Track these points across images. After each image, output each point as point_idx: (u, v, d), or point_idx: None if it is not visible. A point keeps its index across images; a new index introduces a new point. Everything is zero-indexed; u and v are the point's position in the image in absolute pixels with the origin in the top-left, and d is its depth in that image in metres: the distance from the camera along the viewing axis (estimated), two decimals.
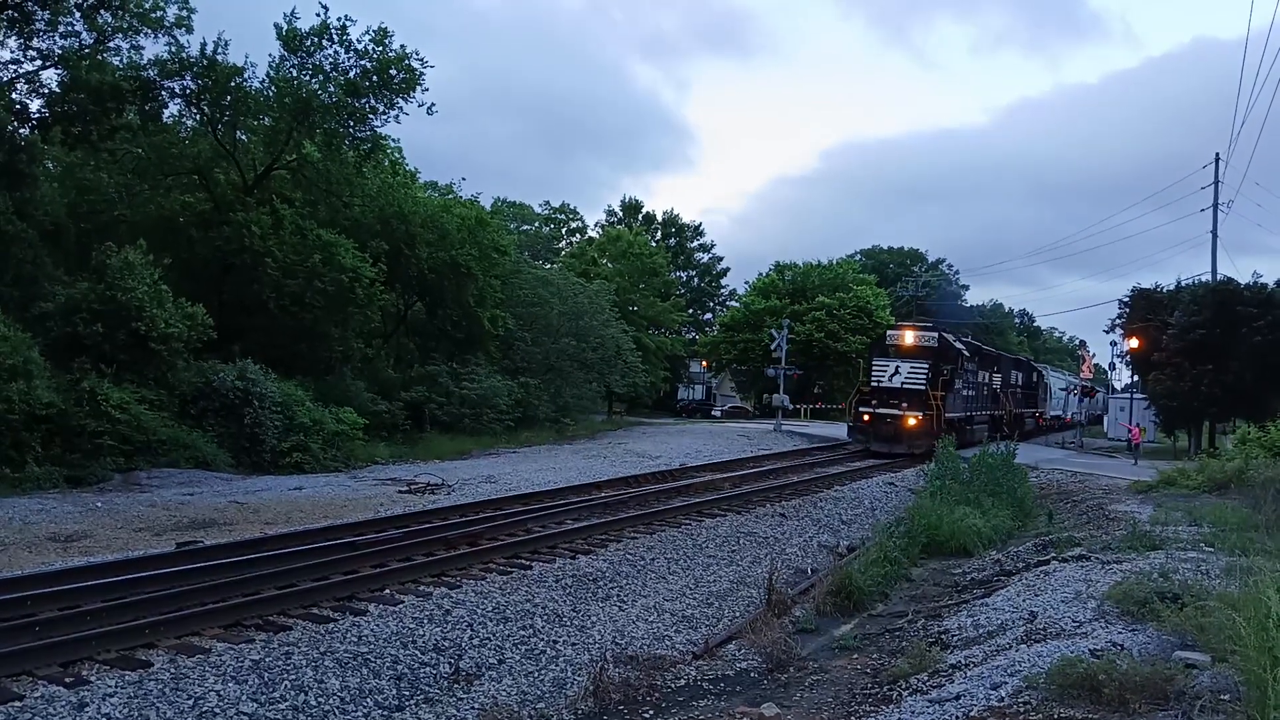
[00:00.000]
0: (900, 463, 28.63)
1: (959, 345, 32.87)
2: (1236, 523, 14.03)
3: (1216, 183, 43.29)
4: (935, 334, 31.43)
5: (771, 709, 8.36)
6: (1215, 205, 43.32)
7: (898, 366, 30.15)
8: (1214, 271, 42.74)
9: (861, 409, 30.31)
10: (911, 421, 28.91)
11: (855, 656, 10.28)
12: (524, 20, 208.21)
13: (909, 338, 31.07)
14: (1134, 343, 43.61)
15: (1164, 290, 45.61)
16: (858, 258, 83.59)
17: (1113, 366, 57.21)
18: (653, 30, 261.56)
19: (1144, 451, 43.30)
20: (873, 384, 30.50)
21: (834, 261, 71.11)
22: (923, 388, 29.37)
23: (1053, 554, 13.68)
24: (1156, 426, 47.21)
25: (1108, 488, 23.98)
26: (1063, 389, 65.44)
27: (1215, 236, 43.42)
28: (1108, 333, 50.38)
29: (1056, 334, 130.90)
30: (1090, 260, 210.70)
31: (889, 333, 32.98)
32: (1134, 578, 10.01)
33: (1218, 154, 43.60)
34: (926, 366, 29.84)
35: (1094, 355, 66.32)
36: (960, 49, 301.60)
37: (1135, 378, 51.42)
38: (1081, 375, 60.88)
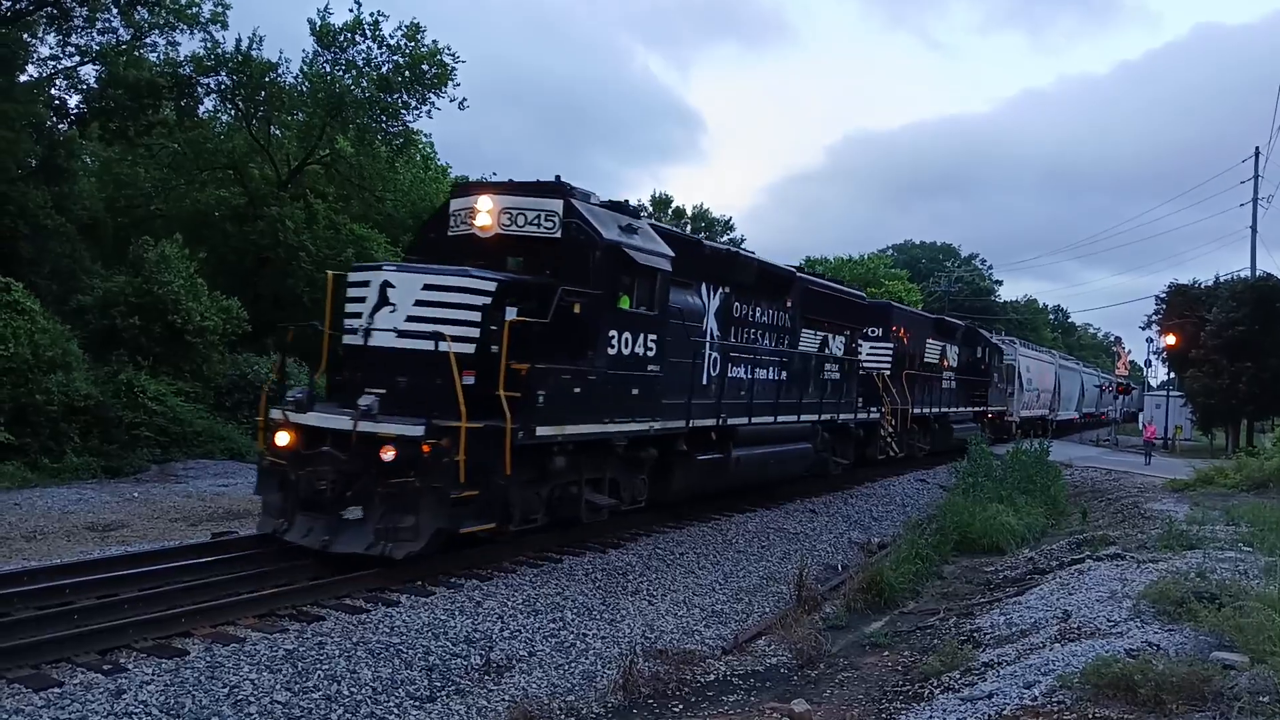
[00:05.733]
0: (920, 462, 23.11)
1: (623, 235, 12.32)
2: (1275, 522, 13.82)
3: (1256, 177, 42.68)
4: (558, 203, 11.97)
5: (801, 705, 8.33)
6: (1255, 200, 42.73)
7: (385, 285, 10.75)
8: (1253, 267, 42.19)
9: (274, 414, 10.99)
10: (390, 453, 9.75)
11: (886, 653, 10.23)
12: (519, 9, 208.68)
13: (483, 211, 12.08)
14: (1171, 339, 43.11)
15: (1201, 286, 45.08)
16: (889, 253, 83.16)
17: (1149, 363, 56.42)
18: (649, 11, 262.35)
19: (1180, 450, 42.83)
20: (345, 342, 11.28)
21: (865, 256, 70.81)
22: (465, 347, 10.50)
23: (1087, 552, 13.54)
24: (1193, 424, 46.62)
25: (1143, 486, 23.72)
26: (1055, 377, 49.86)
27: (1255, 232, 42.83)
28: (1144, 329, 49.85)
29: (1091, 330, 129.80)
30: (1120, 256, 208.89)
31: (452, 202, 12.98)
32: (1170, 577, 9.87)
33: (1257, 148, 42.98)
34: (493, 287, 10.90)
35: (1130, 352, 65.42)
36: (962, 31, 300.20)
37: (1172, 375, 50.79)
38: (1117, 372, 60.10)
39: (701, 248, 15.36)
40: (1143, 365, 68.15)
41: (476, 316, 10.76)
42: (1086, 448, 41.87)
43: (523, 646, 9.13)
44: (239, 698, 7.05)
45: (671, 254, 13.24)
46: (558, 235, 11.98)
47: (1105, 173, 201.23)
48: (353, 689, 7.59)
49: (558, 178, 12.51)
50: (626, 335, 12.35)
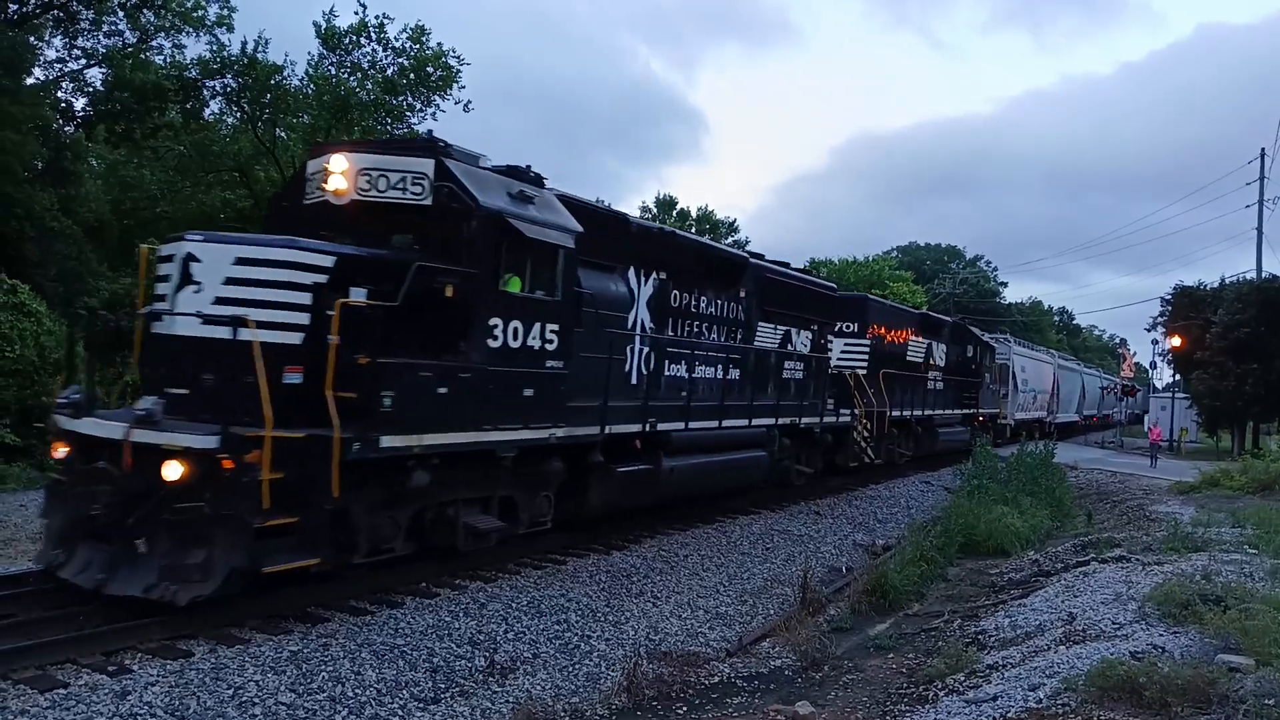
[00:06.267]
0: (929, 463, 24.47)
1: (511, 204, 10.23)
2: None
3: (1262, 178, 42.55)
4: (428, 163, 9.83)
5: (806, 707, 8.32)
6: (1260, 201, 42.59)
7: (189, 259, 8.59)
8: (1259, 268, 42.10)
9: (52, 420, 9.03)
10: (175, 470, 7.69)
11: (891, 656, 10.22)
12: (521, 9, 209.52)
13: (336, 173, 9.87)
14: (1176, 341, 43.08)
15: (1207, 287, 45.06)
16: (894, 254, 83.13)
17: (1154, 365, 56.22)
18: (651, 11, 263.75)
19: (1185, 452, 42.75)
20: (153, 329, 8.89)
21: (870, 258, 70.78)
22: (291, 336, 8.64)
23: (1092, 555, 13.52)
24: (1199, 426, 46.53)
25: (1148, 488, 23.69)
26: (1054, 378, 48.49)
27: (1260, 234, 42.68)
28: (1149, 331, 49.79)
29: (1096, 332, 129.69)
30: (1125, 257, 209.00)
31: (309, 163, 10.64)
32: (1175, 579, 9.86)
33: (1263, 149, 42.87)
34: (329, 263, 8.92)
35: (1135, 354, 65.30)
36: (965, 30, 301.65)
37: (1177, 377, 50.73)
38: (1122, 374, 59.98)
39: (628, 225, 13.33)
40: (1148, 367, 68.01)
41: (307, 299, 8.72)
42: (1091, 450, 41.79)
43: (527, 648, 9.14)
44: (244, 699, 7.06)
45: (578, 229, 11.12)
46: (427, 202, 9.85)
47: (1109, 173, 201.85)
48: (357, 690, 7.60)
49: (429, 133, 10.21)
50: (515, 324, 10.21)
